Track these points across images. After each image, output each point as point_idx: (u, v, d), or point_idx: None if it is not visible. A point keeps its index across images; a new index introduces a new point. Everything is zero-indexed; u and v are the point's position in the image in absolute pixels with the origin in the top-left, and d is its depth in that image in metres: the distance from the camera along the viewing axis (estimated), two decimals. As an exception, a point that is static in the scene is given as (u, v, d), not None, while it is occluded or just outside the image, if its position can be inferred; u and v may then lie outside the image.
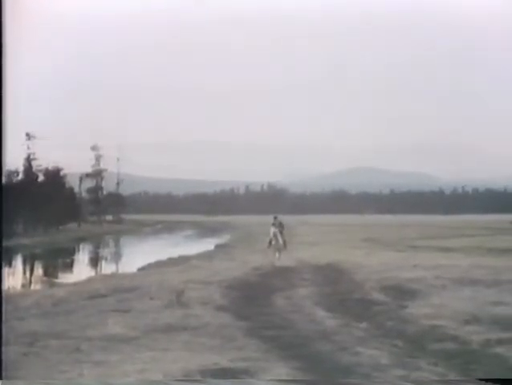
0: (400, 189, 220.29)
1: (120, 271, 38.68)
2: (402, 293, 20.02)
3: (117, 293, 20.92)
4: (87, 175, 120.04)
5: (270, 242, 33.14)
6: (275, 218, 33.71)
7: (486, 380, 10.46)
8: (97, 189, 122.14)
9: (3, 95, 10.98)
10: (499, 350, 12.20)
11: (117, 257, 57.91)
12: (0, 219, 11.20)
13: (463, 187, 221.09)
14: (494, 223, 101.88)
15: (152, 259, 41.92)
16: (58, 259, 54.89)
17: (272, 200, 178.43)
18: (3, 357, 10.96)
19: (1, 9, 10.83)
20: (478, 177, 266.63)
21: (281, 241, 32.90)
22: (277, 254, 32.66)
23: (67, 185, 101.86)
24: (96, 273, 41.51)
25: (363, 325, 15.09)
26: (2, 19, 10.83)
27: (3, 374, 10.79)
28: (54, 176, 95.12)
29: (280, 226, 33.43)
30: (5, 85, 10.94)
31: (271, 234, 33.02)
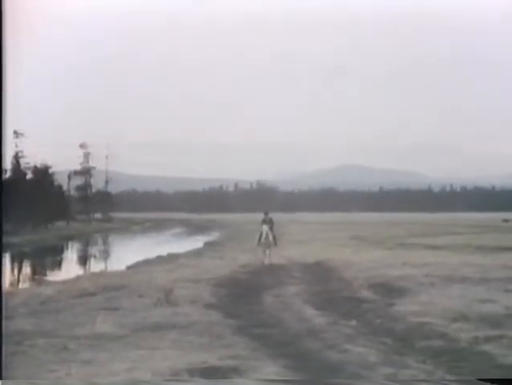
0: (388, 187, 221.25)
1: (109, 269, 38.54)
2: (391, 290, 20.04)
3: (106, 292, 20.85)
4: (76, 173, 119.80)
5: (260, 239, 32.74)
6: (266, 214, 33.19)
7: (486, 380, 10.47)
8: (86, 187, 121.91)
9: (3, 94, 10.91)
10: (487, 347, 12.24)
11: (106, 255, 57.77)
12: (0, 219, 11.14)
13: (451, 185, 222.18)
14: (483, 221, 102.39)
15: (140, 257, 41.80)
16: (46, 257, 54.72)
17: (261, 198, 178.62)
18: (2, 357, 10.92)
19: (1, 9, 10.75)
20: (466, 176, 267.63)
21: (271, 237, 32.60)
22: (267, 251, 32.45)
23: (55, 183, 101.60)
24: (85, 271, 41.37)
25: (353, 322, 15.11)
26: (3, 19, 10.76)
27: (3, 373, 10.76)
28: (43, 174, 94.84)
29: (270, 223, 33.10)
30: (5, 84, 10.87)
31: (263, 232, 32.56)
